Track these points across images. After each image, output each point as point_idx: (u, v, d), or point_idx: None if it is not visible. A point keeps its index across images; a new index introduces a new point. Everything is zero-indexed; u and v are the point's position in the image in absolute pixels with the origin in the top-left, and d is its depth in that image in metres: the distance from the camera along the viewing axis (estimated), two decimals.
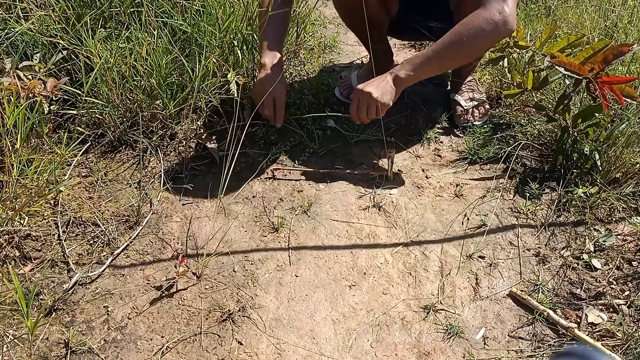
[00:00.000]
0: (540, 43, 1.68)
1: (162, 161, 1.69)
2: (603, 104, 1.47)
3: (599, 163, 1.59)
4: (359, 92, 1.56)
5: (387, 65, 2.05)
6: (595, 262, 1.44)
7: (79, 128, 1.67)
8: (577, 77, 1.51)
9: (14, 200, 1.40)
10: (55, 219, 1.49)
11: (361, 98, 1.56)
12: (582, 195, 1.57)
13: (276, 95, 1.66)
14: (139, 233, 1.50)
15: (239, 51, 1.79)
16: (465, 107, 1.88)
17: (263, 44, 1.70)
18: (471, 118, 1.87)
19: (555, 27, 1.74)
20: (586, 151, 1.61)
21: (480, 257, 1.48)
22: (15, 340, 1.24)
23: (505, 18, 1.43)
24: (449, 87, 2.06)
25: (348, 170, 1.71)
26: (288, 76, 2.07)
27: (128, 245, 1.47)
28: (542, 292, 1.39)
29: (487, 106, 1.90)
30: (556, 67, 1.52)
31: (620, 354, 1.23)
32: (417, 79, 1.54)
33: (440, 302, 1.38)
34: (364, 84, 1.58)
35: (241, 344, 1.28)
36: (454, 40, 1.47)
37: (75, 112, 1.68)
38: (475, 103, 1.88)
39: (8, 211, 1.38)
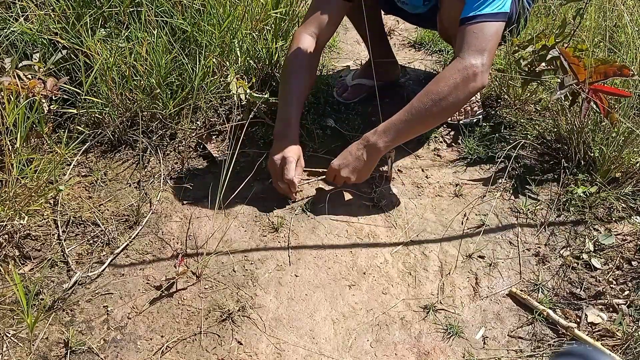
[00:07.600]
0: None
1: (162, 161, 1.69)
2: (583, 109, 1.52)
3: (598, 162, 1.59)
4: (335, 172, 1.54)
5: (387, 65, 2.05)
6: (595, 262, 1.44)
7: (78, 127, 1.67)
8: (574, 80, 1.53)
9: (13, 200, 1.40)
10: (55, 218, 1.49)
11: (337, 177, 1.54)
12: (581, 194, 1.57)
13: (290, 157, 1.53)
14: (138, 233, 1.50)
15: (238, 50, 1.79)
16: None
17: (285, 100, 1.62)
18: (469, 112, 1.87)
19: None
20: (586, 150, 1.61)
21: (480, 256, 1.48)
22: (15, 340, 1.24)
23: (480, 72, 1.40)
24: None
25: None
26: None
27: (128, 245, 1.47)
28: (541, 291, 1.39)
29: (479, 106, 1.90)
30: (561, 57, 1.54)
31: (620, 353, 1.23)
32: (396, 144, 1.51)
33: (440, 302, 1.38)
34: (339, 161, 1.53)
35: (241, 344, 1.28)
36: (433, 98, 1.41)
37: (75, 111, 1.68)
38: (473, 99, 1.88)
39: (8, 210, 1.38)
